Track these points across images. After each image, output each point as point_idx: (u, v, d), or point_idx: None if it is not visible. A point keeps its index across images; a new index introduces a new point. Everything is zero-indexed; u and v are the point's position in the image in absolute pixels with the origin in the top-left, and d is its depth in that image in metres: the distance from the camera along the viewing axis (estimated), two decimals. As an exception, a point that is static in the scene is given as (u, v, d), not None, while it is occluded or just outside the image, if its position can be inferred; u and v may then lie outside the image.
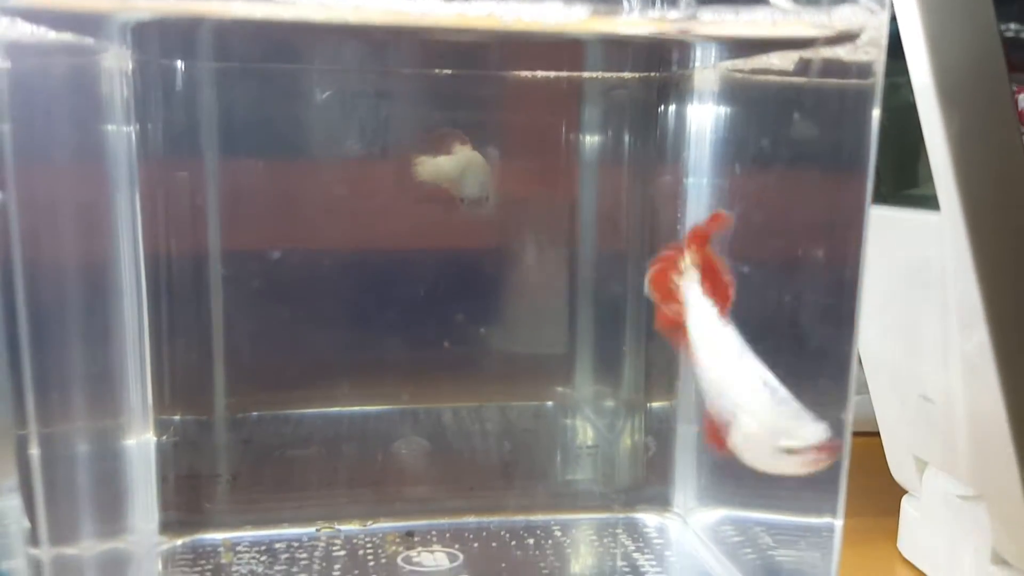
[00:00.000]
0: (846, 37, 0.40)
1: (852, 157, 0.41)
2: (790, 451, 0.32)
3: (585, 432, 0.65)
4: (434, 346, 0.61)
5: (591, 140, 0.62)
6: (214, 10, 0.41)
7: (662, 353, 0.63)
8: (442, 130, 0.58)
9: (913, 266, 0.53)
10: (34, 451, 0.38)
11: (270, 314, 0.59)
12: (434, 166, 0.58)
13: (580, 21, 0.38)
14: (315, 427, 0.62)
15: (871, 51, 0.39)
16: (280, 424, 0.61)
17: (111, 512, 0.52)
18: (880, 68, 0.39)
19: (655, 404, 0.64)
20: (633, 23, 0.41)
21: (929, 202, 0.51)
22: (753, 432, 0.32)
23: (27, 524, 0.38)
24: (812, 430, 0.31)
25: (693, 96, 0.59)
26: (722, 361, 0.36)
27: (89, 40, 0.47)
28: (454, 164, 0.58)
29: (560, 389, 0.64)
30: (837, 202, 0.44)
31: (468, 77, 0.60)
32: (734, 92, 0.55)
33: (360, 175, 0.60)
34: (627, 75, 0.59)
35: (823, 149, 0.46)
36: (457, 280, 0.62)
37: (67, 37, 0.43)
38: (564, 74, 0.60)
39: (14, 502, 0.37)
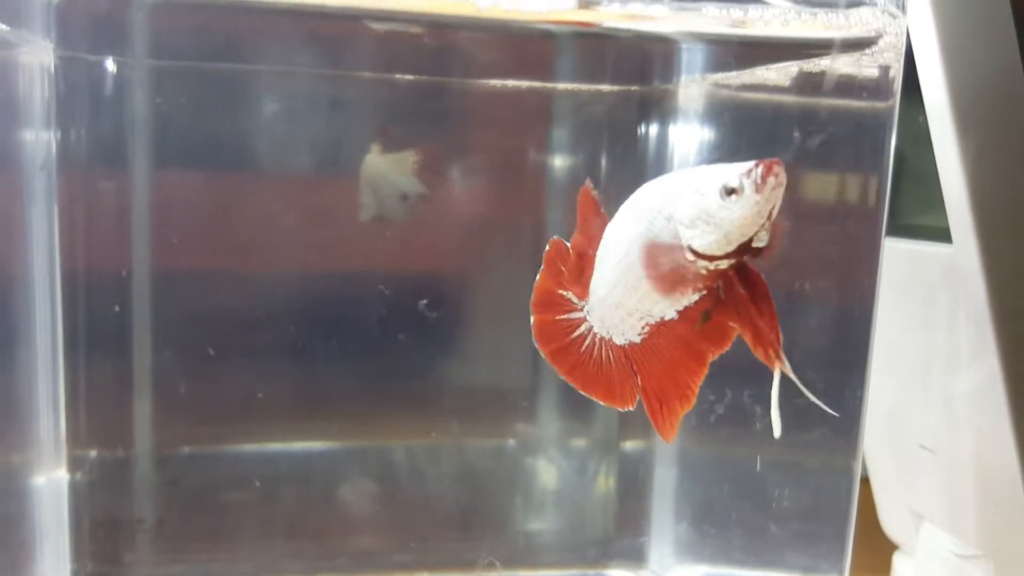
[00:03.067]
0: (862, 43, 0.36)
1: (862, 187, 0.37)
2: (731, 191, 0.26)
3: (551, 476, 0.59)
4: (384, 379, 0.56)
5: (562, 161, 0.57)
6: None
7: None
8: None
9: (916, 304, 0.48)
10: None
11: (203, 340, 0.53)
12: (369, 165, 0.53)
13: (565, 11, 0.34)
14: (252, 466, 0.56)
15: (888, 56, 0.35)
16: (213, 463, 0.55)
17: (12, 562, 0.46)
18: (898, 85, 0.35)
19: (629, 444, 0.59)
20: (622, 15, 0.36)
21: (929, 233, 0.47)
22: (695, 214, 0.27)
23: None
24: (742, 164, 0.26)
25: (677, 115, 0.54)
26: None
27: (3, 28, 0.41)
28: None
29: (522, 427, 0.59)
30: (843, 242, 0.40)
31: (430, 84, 0.55)
32: (722, 112, 0.51)
33: (306, 191, 0.54)
34: (605, 88, 0.55)
35: (825, 178, 0.42)
36: (412, 307, 0.56)
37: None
38: (536, 84, 0.55)
39: None
